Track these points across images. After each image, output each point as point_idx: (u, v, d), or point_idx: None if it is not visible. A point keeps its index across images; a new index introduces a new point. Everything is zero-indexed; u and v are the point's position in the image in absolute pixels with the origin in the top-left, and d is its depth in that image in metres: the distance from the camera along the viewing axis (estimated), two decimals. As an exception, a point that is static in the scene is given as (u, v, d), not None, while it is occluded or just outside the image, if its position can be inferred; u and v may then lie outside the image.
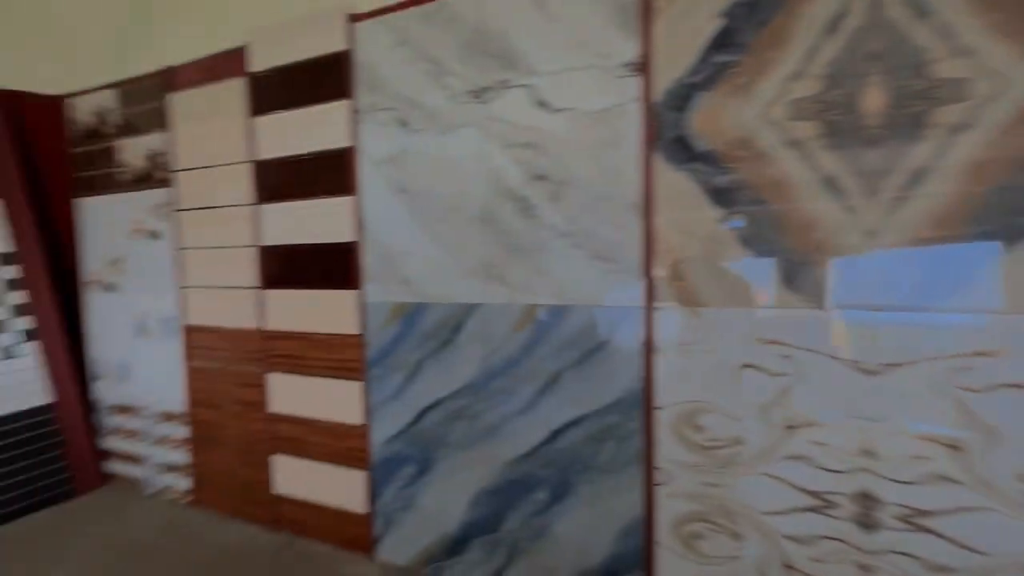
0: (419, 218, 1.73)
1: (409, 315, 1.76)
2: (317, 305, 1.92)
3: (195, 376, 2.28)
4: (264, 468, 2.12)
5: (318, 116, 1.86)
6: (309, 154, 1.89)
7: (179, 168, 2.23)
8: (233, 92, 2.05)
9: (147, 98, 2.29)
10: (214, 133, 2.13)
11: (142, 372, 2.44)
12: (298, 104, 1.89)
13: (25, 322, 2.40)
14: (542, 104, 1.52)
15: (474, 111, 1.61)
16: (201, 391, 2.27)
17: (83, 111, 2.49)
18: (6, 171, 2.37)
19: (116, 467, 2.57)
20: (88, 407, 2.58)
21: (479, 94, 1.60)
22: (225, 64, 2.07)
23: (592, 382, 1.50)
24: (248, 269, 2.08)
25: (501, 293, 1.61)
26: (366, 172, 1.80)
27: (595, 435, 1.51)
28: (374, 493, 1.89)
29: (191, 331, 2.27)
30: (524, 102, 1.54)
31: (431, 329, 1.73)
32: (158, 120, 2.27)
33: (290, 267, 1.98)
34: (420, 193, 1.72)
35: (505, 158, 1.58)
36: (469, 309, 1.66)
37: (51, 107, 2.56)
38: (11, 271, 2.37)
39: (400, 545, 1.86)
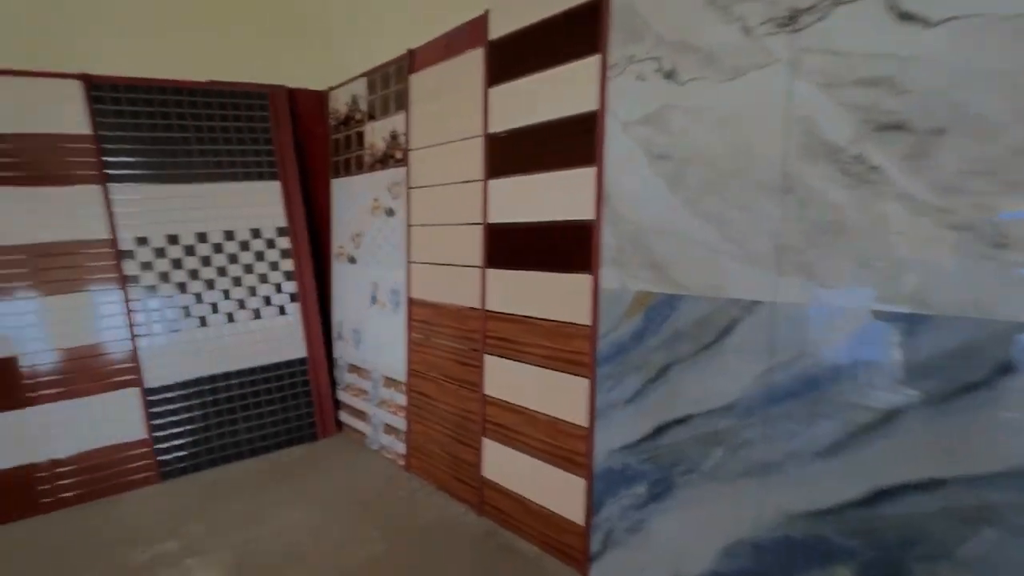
0: (680, 188, 1.40)
1: (656, 307, 1.46)
2: (543, 288, 1.76)
3: (415, 348, 2.38)
4: (475, 449, 2.09)
5: (560, 79, 1.67)
6: (546, 122, 1.72)
7: (413, 147, 2.32)
8: (469, 65, 2.01)
9: (390, 83, 2.44)
10: (447, 110, 2.14)
11: (371, 338, 2.67)
12: (538, 67, 1.73)
13: (292, 286, 2.82)
14: (907, 16, 1.04)
15: (780, 44, 1.21)
16: (420, 363, 2.36)
17: (340, 101, 2.80)
18: (286, 157, 2.79)
19: (347, 419, 2.90)
20: (330, 363, 2.96)
21: (792, 19, 1.19)
22: (463, 37, 2.04)
23: (971, 434, 0.99)
24: (472, 247, 2.03)
25: (803, 289, 1.19)
26: (614, 137, 1.54)
27: (965, 514, 1.00)
28: (594, 505, 1.66)
29: (415, 304, 2.37)
30: (874, 17, 1.07)
31: (687, 327, 1.40)
32: (399, 103, 2.39)
33: (516, 246, 1.86)
34: (684, 157, 1.39)
35: (827, 103, 1.14)
36: (749, 307, 1.28)
37: (317, 99, 2.95)
38: (285, 242, 2.80)
39: (621, 570, 1.60)
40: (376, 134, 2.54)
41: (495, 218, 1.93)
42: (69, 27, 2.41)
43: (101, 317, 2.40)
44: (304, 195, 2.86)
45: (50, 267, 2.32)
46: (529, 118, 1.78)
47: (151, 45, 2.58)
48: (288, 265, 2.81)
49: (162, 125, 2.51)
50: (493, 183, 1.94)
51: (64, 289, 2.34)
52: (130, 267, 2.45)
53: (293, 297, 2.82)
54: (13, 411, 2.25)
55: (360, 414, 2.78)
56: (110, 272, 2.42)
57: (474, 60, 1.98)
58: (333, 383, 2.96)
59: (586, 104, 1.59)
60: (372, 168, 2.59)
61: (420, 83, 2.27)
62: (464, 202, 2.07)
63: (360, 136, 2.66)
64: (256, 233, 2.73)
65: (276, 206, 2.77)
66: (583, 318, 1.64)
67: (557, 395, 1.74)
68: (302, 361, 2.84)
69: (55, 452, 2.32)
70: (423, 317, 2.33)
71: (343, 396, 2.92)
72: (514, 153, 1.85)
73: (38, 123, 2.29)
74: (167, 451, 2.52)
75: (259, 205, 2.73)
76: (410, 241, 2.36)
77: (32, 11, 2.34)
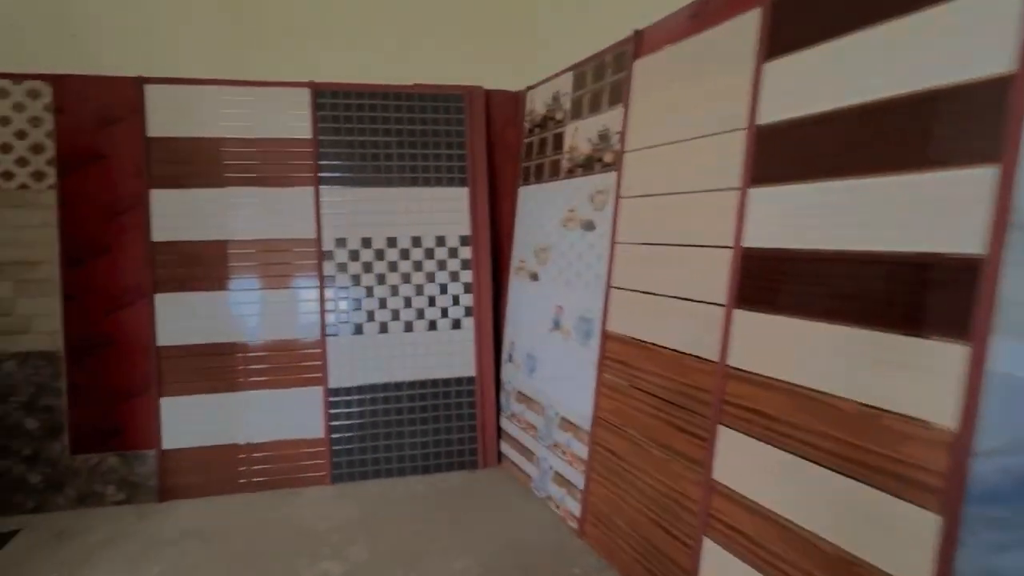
0: None
1: None
2: (848, 352, 1.17)
3: (606, 392, 1.95)
4: (686, 547, 1.56)
5: (927, 25, 1.07)
6: (887, 100, 1.13)
7: (630, 148, 1.90)
8: (731, 36, 1.51)
9: (605, 73, 2.07)
10: (685, 99, 1.67)
11: (548, 368, 2.33)
12: (873, 17, 1.15)
13: (468, 299, 2.64)
14: None
15: None
16: (611, 412, 1.92)
17: (538, 101, 2.54)
18: (477, 162, 2.63)
19: (510, 452, 2.60)
20: (497, 386, 2.70)
21: None
22: (720, 1, 1.56)
23: None
24: (711, 277, 1.52)
25: None
26: (1046, 117, 0.89)
27: None
28: None
29: (611, 339, 1.94)
30: None
31: None
32: (615, 96, 2.00)
33: (796, 282, 1.29)
34: None
35: None
36: None
37: (512, 101, 2.75)
38: (467, 252, 2.64)
39: None
40: (579, 135, 2.20)
41: (757, 241, 1.39)
42: (298, 42, 2.57)
43: (300, 314, 2.49)
44: (489, 203, 2.66)
45: (269, 262, 2.46)
46: (845, 96, 1.20)
47: (366, 53, 2.64)
48: (467, 277, 2.63)
49: (369, 129, 2.54)
50: (757, 192, 1.40)
51: (276, 284, 2.47)
52: (328, 267, 2.51)
53: (468, 311, 2.63)
54: (229, 393, 2.42)
55: (526, 451, 2.46)
56: (312, 271, 2.49)
57: (740, 28, 1.48)
58: (498, 408, 2.69)
59: (991, 61, 0.97)
60: (570, 174, 2.25)
61: (648, 69, 1.84)
62: (702, 217, 1.57)
63: (558, 138, 2.35)
64: (441, 241, 2.60)
65: (462, 214, 2.62)
66: (939, 414, 1.00)
67: (862, 524, 1.12)
68: (470, 380, 2.63)
69: (253, 437, 2.45)
70: (621, 356, 1.88)
71: (508, 425, 2.63)
72: (803, 150, 1.29)
73: (275, 128, 2.46)
74: (339, 454, 2.50)
75: (446, 212, 2.61)
76: (613, 261, 1.95)
77: (268, 30, 2.54)
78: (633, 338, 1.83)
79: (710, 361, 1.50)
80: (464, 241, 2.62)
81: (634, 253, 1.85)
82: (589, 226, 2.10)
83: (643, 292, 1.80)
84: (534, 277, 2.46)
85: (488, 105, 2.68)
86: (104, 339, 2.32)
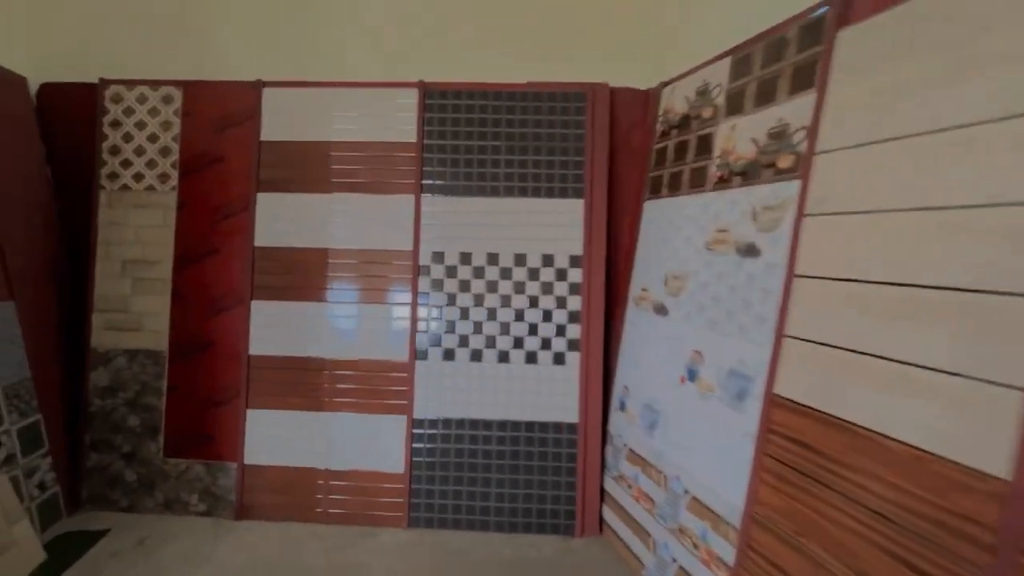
0: None
1: None
2: None
3: (772, 482, 1.41)
4: None
5: None
6: None
7: (824, 148, 1.39)
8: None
9: (784, 53, 1.58)
10: (931, 75, 1.14)
11: (677, 428, 1.83)
12: None
13: (575, 331, 2.24)
14: None
15: None
16: (780, 513, 1.38)
17: (677, 96, 2.10)
18: (597, 170, 2.25)
19: (615, 522, 2.12)
20: (603, 438, 2.25)
21: None
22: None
23: None
24: (1005, 341, 0.96)
25: None
26: None
27: None
28: None
29: (782, 408, 1.41)
30: None
31: None
32: (800, 81, 1.51)
33: None
34: None
35: None
36: None
37: (640, 100, 2.34)
38: (577, 275, 2.25)
39: None
40: (739, 135, 1.72)
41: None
42: (411, 42, 2.41)
43: (391, 332, 2.27)
44: (606, 218, 2.26)
45: (365, 274, 2.28)
46: None
47: (478, 50, 2.41)
48: (575, 304, 2.24)
49: (477, 133, 2.28)
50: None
51: (370, 298, 2.28)
52: (423, 283, 2.27)
53: (574, 344, 2.23)
54: (313, 412, 2.26)
55: (637, 527, 1.96)
56: (406, 286, 2.27)
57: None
58: (603, 465, 2.23)
59: None
60: (723, 184, 1.77)
61: (862, 40, 1.33)
62: (990, 246, 1.02)
63: (704, 141, 1.88)
64: (548, 260, 2.25)
65: (575, 229, 2.24)
66: None
67: None
68: (571, 428, 2.21)
69: (333, 463, 2.25)
70: (801, 436, 1.34)
71: (614, 488, 2.16)
72: None
73: (382, 132, 2.30)
74: (419, 494, 2.21)
75: (557, 227, 2.25)
76: (789, 301, 1.42)
77: (380, 30, 2.41)
78: (826, 415, 1.28)
79: (995, 478, 0.93)
80: (575, 262, 2.24)
81: (830, 292, 1.32)
82: (750, 251, 1.59)
83: (842, 349, 1.26)
84: (660, 310, 1.99)
85: (612, 105, 2.30)
86: (203, 342, 2.29)
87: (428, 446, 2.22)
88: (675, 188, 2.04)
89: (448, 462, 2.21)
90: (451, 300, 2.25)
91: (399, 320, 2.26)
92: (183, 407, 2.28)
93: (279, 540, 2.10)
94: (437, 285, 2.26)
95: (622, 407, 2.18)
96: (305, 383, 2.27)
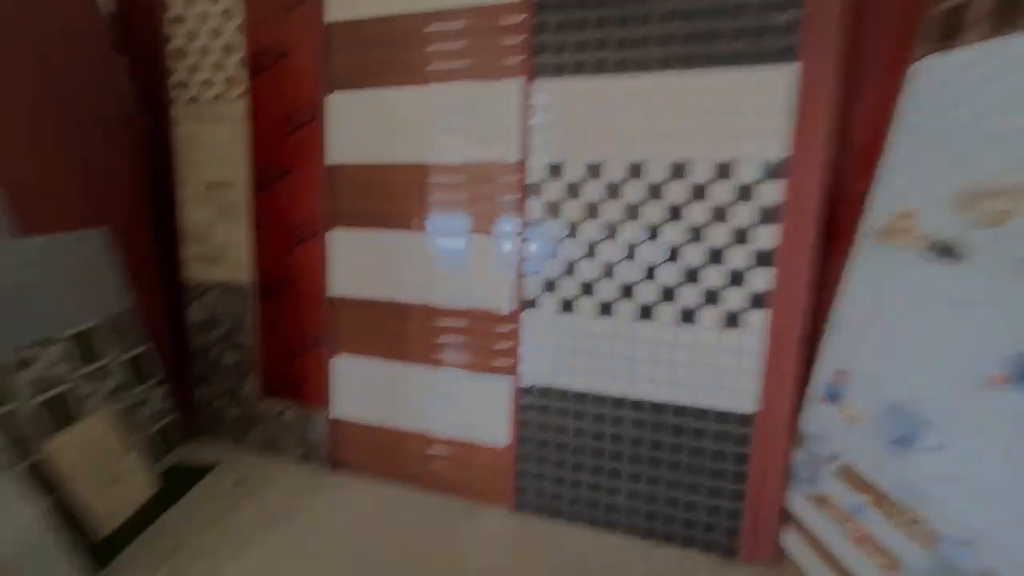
0: None
1: None
2: None
3: None
4: None
5: None
6: None
7: None
8: None
9: None
10: None
11: (973, 462, 1.05)
12: None
13: (763, 279, 1.47)
14: None
15: None
16: None
17: None
18: (825, 16, 1.33)
19: (807, 556, 1.47)
20: (793, 438, 1.54)
21: None
22: None
23: None
24: None
25: None
26: None
27: None
28: None
29: None
30: None
31: None
32: None
33: None
34: None
35: None
36: None
37: None
38: (773, 191, 1.43)
39: None
40: None
41: None
42: None
43: (493, 273, 1.74)
44: (846, 96, 1.36)
45: (464, 196, 1.73)
46: None
47: None
48: (766, 238, 1.45)
49: (618, -30, 1.47)
50: None
51: (469, 228, 1.73)
52: (533, 207, 1.65)
53: (757, 300, 1.48)
54: (407, 364, 1.89)
55: (839, 569, 1.29)
56: (511, 211, 1.69)
57: None
58: (789, 475, 1.54)
59: None
60: None
61: None
62: None
63: None
64: (724, 171, 1.46)
65: (775, 117, 1.39)
66: None
67: None
68: (743, 419, 1.53)
69: (429, 426, 1.90)
70: None
71: (806, 511, 1.47)
72: None
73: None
74: (526, 476, 1.77)
75: (743, 115, 1.42)
76: None
77: None
78: None
79: None
80: (771, 171, 1.42)
81: None
82: None
83: None
84: (947, 253, 1.13)
85: None
86: (285, 278, 2.00)
87: (540, 419, 1.73)
88: (1003, 23, 1.06)
89: (565, 443, 1.71)
90: (571, 231, 1.62)
91: (501, 258, 1.71)
92: (274, 348, 2.07)
93: (372, 502, 1.85)
94: (552, 210, 1.63)
95: (833, 398, 1.41)
96: (393, 329, 1.89)
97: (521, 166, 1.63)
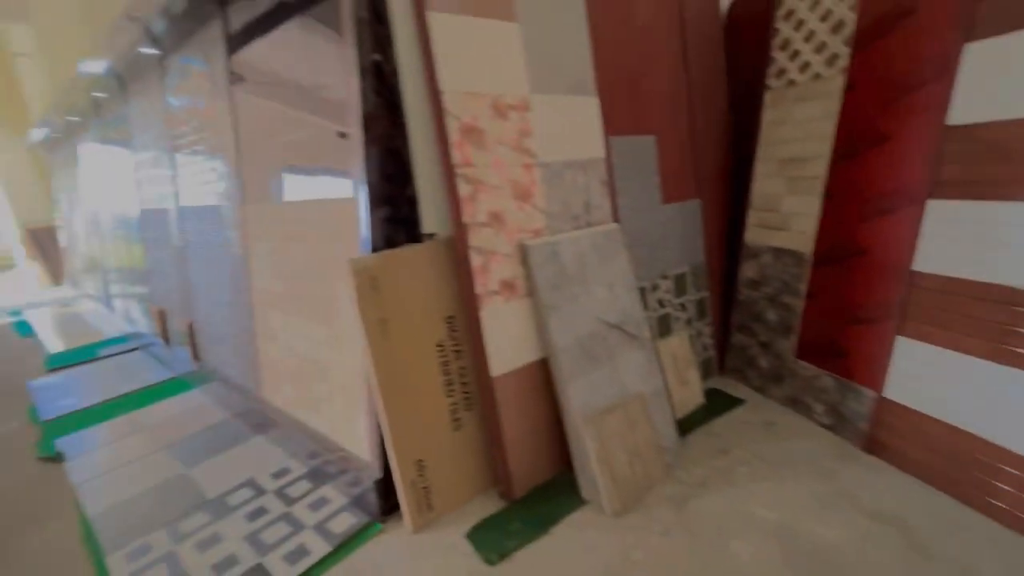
0: None
1: None
2: None
3: None
4: None
5: None
6: None
7: None
8: None
9: None
10: None
11: None
12: None
13: None
14: None
15: None
16: None
17: None
18: None
19: None
20: None
21: None
22: None
23: None
24: None
25: None
26: None
27: None
28: None
29: None
30: None
31: None
32: None
33: None
34: None
35: None
36: None
37: None
38: None
39: None
40: None
41: None
42: None
43: None
44: None
45: None
46: None
47: None
48: None
49: None
50: None
51: None
52: None
53: None
54: (994, 362, 1.57)
55: None
56: None
57: None
58: None
59: None
60: None
61: None
62: None
63: None
64: None
65: None
66: None
67: None
68: None
69: (1005, 438, 1.52)
70: None
71: None
72: None
73: None
74: None
75: None
76: None
77: None
78: None
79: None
80: None
81: None
82: None
83: None
84: None
85: None
86: (852, 249, 2.02)
87: None
88: None
89: None
90: None
91: None
92: (820, 315, 2.17)
93: (914, 503, 1.69)
94: None
95: None
96: (991, 320, 1.57)
97: None
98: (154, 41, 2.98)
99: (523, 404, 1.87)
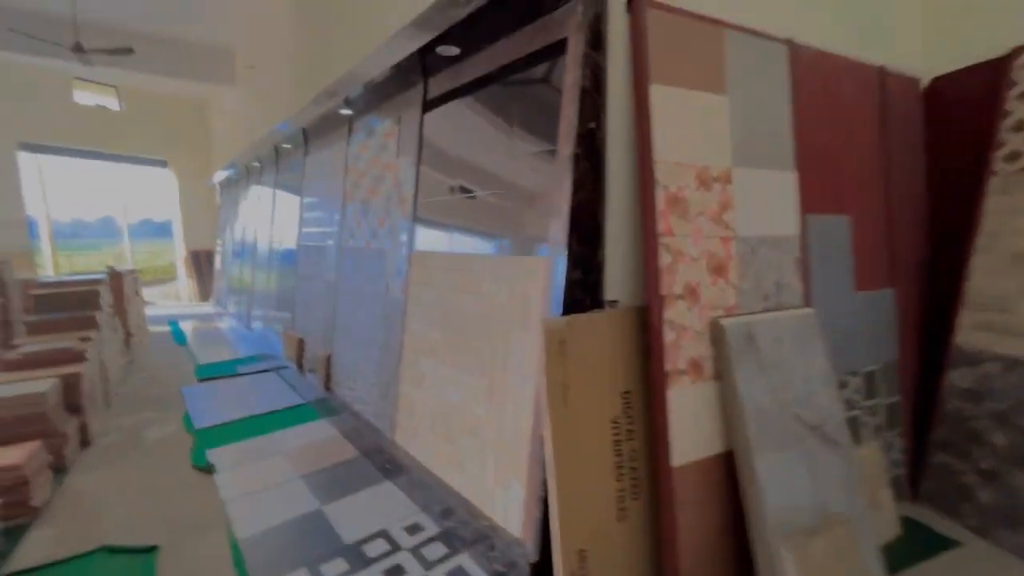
0: None
1: None
2: None
3: None
4: None
5: None
6: None
7: None
8: None
9: None
10: None
11: None
12: None
13: None
14: None
15: None
16: None
17: None
18: None
19: None
20: None
21: None
22: None
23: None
24: None
25: None
26: None
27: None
28: None
29: None
30: None
31: None
32: None
33: None
34: None
35: None
36: None
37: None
38: None
39: None
40: None
41: None
42: None
43: None
44: None
45: None
46: None
47: None
48: None
49: None
50: None
51: None
52: None
53: None
54: None
55: None
56: None
57: None
58: None
59: None
60: None
61: None
62: None
63: None
64: None
65: None
66: None
67: None
68: None
69: None
70: None
71: None
72: None
73: None
74: None
75: None
76: None
77: None
78: None
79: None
80: None
81: None
82: None
83: None
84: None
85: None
86: None
87: None
88: None
89: None
90: None
91: None
92: (1085, 449, 1.72)
93: None
94: None
95: None
96: None
97: None
98: (348, 103, 3.42)
99: (702, 504, 1.63)
